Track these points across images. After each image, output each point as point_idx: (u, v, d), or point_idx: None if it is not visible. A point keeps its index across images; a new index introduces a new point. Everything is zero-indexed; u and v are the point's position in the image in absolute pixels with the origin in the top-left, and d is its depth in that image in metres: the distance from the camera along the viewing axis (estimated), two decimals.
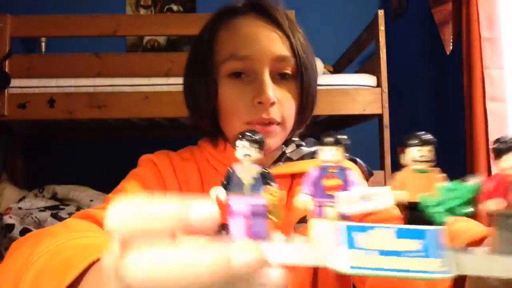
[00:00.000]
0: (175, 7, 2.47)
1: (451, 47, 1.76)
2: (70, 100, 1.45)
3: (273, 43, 0.58)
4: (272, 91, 0.56)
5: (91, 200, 1.64)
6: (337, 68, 2.12)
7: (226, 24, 0.61)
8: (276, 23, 0.59)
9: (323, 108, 1.49)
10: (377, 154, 1.54)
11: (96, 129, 2.14)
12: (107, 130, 2.14)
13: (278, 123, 0.58)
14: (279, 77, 0.59)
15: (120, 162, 1.22)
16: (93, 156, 2.27)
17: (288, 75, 0.59)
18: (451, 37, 1.74)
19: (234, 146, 0.26)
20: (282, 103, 0.58)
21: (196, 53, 0.64)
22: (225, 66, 0.58)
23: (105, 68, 1.53)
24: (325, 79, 1.57)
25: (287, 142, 0.67)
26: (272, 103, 0.56)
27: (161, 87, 1.48)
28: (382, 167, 1.51)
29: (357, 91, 1.52)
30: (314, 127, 2.34)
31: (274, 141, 0.59)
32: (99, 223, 0.48)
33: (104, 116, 1.48)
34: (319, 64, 1.78)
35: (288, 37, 0.59)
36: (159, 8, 2.48)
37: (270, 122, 0.57)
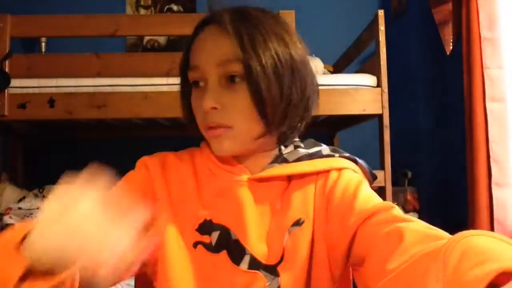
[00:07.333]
0: (175, 7, 2.47)
1: (451, 47, 1.76)
2: (70, 100, 1.45)
3: (218, 48, 0.57)
4: (212, 97, 0.56)
5: None
6: (337, 68, 2.12)
7: (197, 34, 0.61)
8: (225, 25, 0.57)
9: (323, 108, 1.49)
10: (377, 154, 1.54)
11: (96, 129, 2.14)
12: (107, 130, 2.14)
13: (229, 127, 0.57)
14: (227, 81, 0.57)
15: (120, 162, 1.22)
16: (93, 156, 2.27)
17: (237, 77, 0.57)
18: (451, 37, 1.74)
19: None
20: (227, 108, 0.57)
21: (180, 61, 0.66)
22: (189, 76, 0.61)
23: (105, 68, 1.53)
24: (325, 79, 1.57)
25: (286, 143, 0.66)
26: (213, 108, 0.57)
27: (161, 87, 1.48)
28: (382, 167, 1.51)
29: (357, 91, 1.52)
30: (314, 127, 2.34)
31: (228, 143, 0.58)
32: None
33: (104, 116, 1.48)
34: (319, 64, 1.78)
35: (238, 38, 0.56)
36: (159, 8, 2.48)
37: (218, 126, 0.58)
